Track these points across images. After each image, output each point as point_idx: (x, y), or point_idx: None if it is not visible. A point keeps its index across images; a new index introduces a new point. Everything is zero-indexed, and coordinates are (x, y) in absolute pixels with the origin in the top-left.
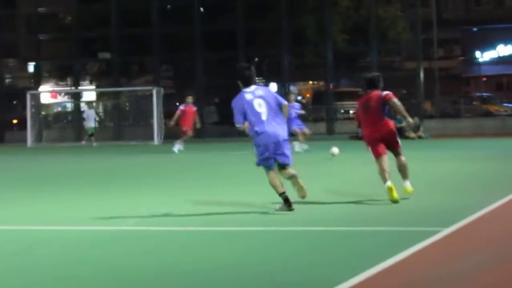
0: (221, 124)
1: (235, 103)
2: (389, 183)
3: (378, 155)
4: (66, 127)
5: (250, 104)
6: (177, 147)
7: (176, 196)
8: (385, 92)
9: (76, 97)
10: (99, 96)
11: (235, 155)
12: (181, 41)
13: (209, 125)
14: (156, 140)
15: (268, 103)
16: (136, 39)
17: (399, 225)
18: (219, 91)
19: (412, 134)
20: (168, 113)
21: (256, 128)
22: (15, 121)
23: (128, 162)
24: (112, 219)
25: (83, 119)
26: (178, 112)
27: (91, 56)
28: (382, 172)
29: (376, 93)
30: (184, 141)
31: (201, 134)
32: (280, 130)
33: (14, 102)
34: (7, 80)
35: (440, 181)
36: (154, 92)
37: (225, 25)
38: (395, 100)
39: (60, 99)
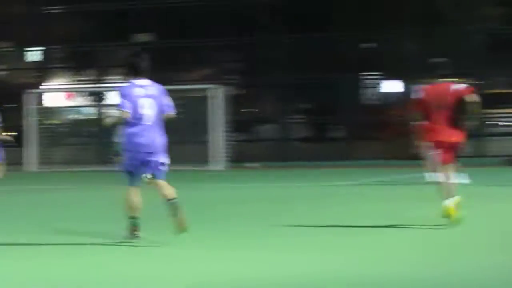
0: (315, 140)
1: (124, 90)
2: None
3: (441, 163)
4: (87, 143)
5: (136, 100)
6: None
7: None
8: (462, 86)
9: (99, 98)
10: None
11: (324, 186)
12: (250, 18)
13: (296, 142)
14: (217, 165)
15: (157, 106)
16: (186, 14)
17: None
18: (309, 92)
19: None
20: (235, 123)
21: (133, 130)
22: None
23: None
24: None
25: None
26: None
27: (121, 39)
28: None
29: (447, 85)
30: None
31: (285, 155)
32: (158, 139)
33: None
34: None
35: None
36: (215, 92)
37: None
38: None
39: (76, 101)
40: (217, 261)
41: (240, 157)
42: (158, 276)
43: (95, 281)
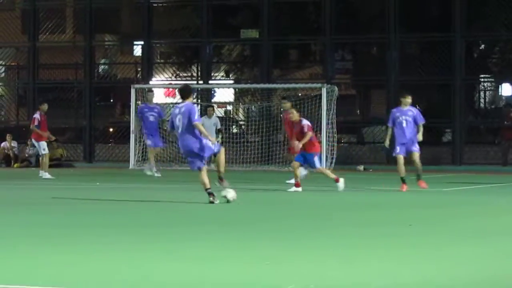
0: (429, 144)
1: None
2: None
3: None
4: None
5: None
6: None
7: None
8: None
9: (205, 95)
10: (238, 95)
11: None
12: (365, 17)
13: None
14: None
15: None
16: (299, 11)
17: None
18: (422, 94)
19: None
20: (340, 125)
21: None
22: (111, 130)
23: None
24: None
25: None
26: None
27: (229, 35)
28: None
29: None
30: None
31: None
32: None
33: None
34: (101, 67)
35: None
36: (324, 91)
37: None
38: None
39: (177, 98)
40: None
41: (346, 160)
42: None
43: None
